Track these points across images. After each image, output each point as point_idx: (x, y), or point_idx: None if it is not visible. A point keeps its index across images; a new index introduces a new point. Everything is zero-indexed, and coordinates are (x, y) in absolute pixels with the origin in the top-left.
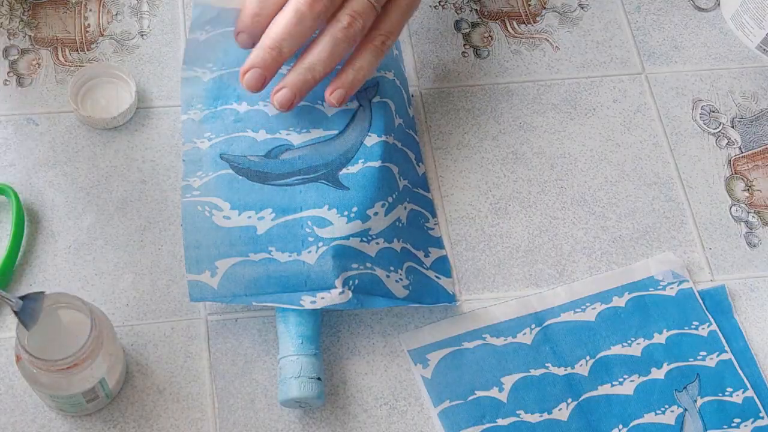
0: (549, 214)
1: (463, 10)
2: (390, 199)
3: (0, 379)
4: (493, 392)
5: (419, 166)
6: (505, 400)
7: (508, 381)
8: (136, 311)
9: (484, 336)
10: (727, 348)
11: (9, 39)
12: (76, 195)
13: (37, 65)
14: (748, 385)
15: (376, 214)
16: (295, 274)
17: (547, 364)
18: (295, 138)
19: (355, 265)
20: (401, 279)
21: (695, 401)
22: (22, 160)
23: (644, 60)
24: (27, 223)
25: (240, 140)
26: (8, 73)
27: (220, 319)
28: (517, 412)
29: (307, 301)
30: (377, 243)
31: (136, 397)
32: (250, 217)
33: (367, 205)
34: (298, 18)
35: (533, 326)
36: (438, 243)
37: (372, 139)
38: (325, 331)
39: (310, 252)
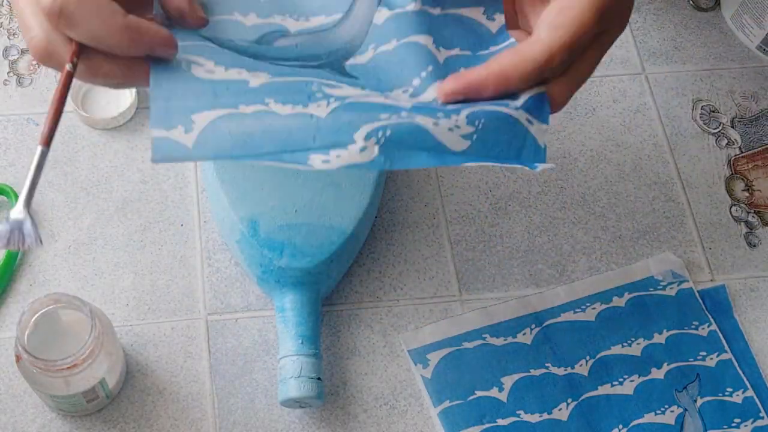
0: (549, 214)
1: None
2: (416, 82)
3: (0, 379)
4: (493, 392)
5: (492, 21)
6: (505, 400)
7: (508, 381)
8: (136, 311)
9: (484, 336)
10: (727, 348)
11: (9, 39)
12: (76, 195)
13: (37, 65)
14: (748, 385)
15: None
16: (300, 128)
17: (547, 364)
18: (292, 24)
19: (384, 115)
20: (458, 126)
21: (695, 401)
22: (22, 160)
23: (644, 60)
24: None
25: (225, 23)
26: (8, 73)
27: (220, 319)
28: (517, 412)
29: (318, 161)
30: (409, 102)
31: (136, 397)
32: (240, 72)
33: (384, 91)
34: (539, 70)
35: (533, 326)
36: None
37: (383, 14)
38: (325, 331)
39: (319, 106)
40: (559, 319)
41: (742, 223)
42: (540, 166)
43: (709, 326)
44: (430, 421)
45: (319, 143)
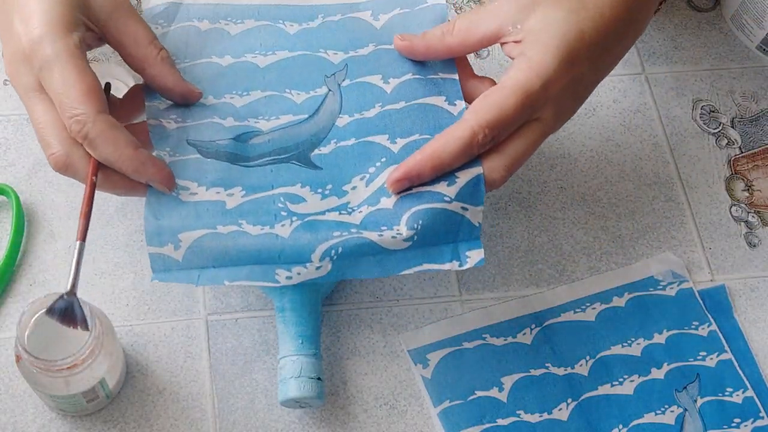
0: (549, 214)
1: (463, 9)
2: (372, 170)
3: (0, 379)
4: (493, 392)
5: (454, 106)
6: (505, 400)
7: (508, 381)
8: (136, 311)
9: (484, 336)
10: (727, 348)
11: None
12: (76, 195)
13: None
14: (748, 385)
15: (354, 188)
16: (267, 247)
17: (547, 364)
18: (264, 125)
19: (336, 233)
20: (399, 233)
21: (695, 401)
22: (22, 160)
23: (644, 60)
24: (27, 223)
25: (207, 126)
26: None
27: (220, 319)
28: (517, 412)
29: (283, 276)
30: (360, 212)
31: (136, 397)
32: (218, 192)
33: (343, 181)
34: (466, 147)
35: (533, 326)
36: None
37: (344, 120)
38: (325, 331)
39: (284, 226)
40: (559, 319)
41: (742, 223)
42: (469, 261)
43: (709, 326)
44: (430, 421)
45: (284, 260)
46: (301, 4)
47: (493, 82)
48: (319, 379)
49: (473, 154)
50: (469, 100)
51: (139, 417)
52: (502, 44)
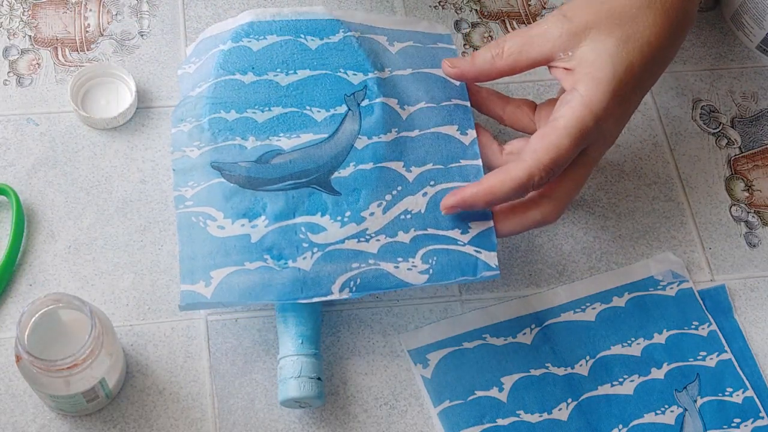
0: None
1: (463, 10)
2: (389, 197)
3: (0, 379)
4: (493, 392)
5: (466, 135)
6: (505, 400)
7: (508, 381)
8: (136, 311)
9: (484, 336)
10: (727, 348)
11: (9, 39)
12: (76, 195)
13: (37, 65)
14: (748, 385)
15: (372, 214)
16: (291, 281)
17: (547, 364)
18: (285, 143)
19: (355, 265)
20: (414, 266)
21: (695, 401)
22: (22, 160)
23: None
24: (27, 223)
25: (229, 148)
26: (8, 73)
27: (220, 319)
28: (517, 412)
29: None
30: (378, 240)
31: (136, 397)
32: (243, 225)
33: (361, 207)
34: (522, 187)
35: (533, 326)
36: (483, 215)
37: (362, 142)
38: (325, 331)
39: (305, 258)
40: (559, 319)
41: (742, 223)
42: (482, 276)
43: (709, 326)
44: (430, 421)
45: (305, 294)
46: (322, 18)
47: (533, 105)
48: (319, 379)
49: (527, 193)
50: (511, 125)
51: (139, 417)
52: (550, 68)
